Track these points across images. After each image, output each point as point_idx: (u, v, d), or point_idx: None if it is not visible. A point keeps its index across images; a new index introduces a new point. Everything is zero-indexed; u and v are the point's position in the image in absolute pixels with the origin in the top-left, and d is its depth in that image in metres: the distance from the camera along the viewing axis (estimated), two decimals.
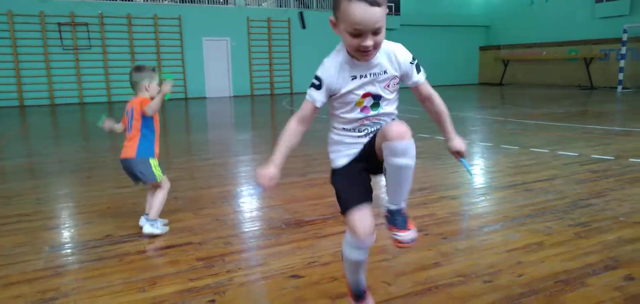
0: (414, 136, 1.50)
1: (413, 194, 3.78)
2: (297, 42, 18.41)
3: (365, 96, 1.59)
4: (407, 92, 1.79)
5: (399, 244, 1.58)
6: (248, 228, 3.11)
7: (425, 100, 1.72)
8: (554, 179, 4.12)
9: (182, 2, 16.95)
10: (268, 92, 18.43)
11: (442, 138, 2.18)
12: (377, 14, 1.42)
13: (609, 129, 7.23)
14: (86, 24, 15.37)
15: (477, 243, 2.71)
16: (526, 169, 4.55)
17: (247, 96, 17.63)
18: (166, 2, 16.92)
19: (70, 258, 2.64)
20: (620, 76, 15.76)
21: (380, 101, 1.62)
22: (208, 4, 17.39)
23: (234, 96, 17.68)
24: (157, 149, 3.04)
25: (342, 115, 1.64)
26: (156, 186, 3.03)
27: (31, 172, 5.20)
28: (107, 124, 3.09)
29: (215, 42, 17.42)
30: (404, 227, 1.58)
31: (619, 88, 15.75)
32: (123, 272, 2.41)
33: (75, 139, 8.04)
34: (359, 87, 1.58)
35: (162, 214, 3.07)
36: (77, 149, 6.69)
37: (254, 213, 3.43)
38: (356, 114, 1.62)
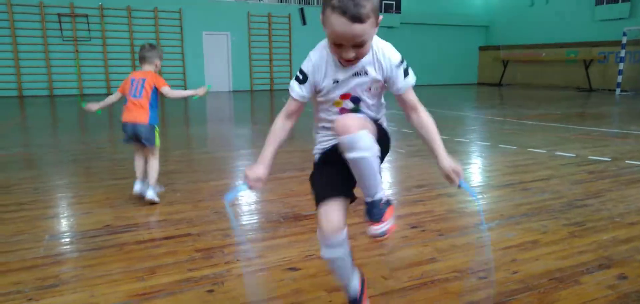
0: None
1: (410, 191, 3.81)
2: (297, 38, 18.41)
3: (343, 97, 1.54)
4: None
5: (373, 238, 1.54)
6: (246, 220, 3.13)
7: (410, 112, 1.58)
8: (550, 179, 4.15)
9: None
10: (268, 87, 18.44)
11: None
12: (356, 30, 1.33)
13: (607, 131, 7.26)
14: (86, 16, 15.34)
15: (473, 240, 2.74)
16: (523, 168, 4.58)
17: (247, 91, 17.63)
18: None
19: (69, 247, 2.66)
20: (619, 79, 15.83)
21: (359, 104, 1.57)
22: None
23: (234, 91, 17.68)
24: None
25: (321, 114, 1.62)
26: (149, 151, 3.44)
27: (30, 162, 5.21)
28: (92, 106, 3.50)
29: (216, 36, 17.40)
30: (378, 219, 1.52)
31: (618, 91, 15.81)
32: (122, 261, 2.43)
33: (73, 130, 8.03)
34: (338, 86, 1.52)
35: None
36: (76, 140, 6.69)
37: (253, 206, 3.45)
38: (334, 115, 1.56)
